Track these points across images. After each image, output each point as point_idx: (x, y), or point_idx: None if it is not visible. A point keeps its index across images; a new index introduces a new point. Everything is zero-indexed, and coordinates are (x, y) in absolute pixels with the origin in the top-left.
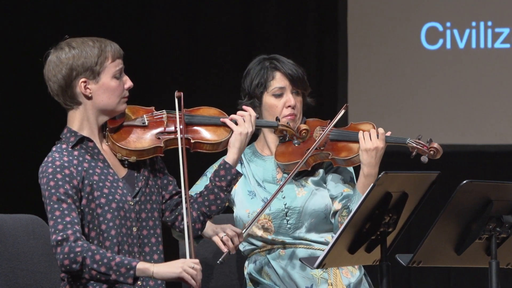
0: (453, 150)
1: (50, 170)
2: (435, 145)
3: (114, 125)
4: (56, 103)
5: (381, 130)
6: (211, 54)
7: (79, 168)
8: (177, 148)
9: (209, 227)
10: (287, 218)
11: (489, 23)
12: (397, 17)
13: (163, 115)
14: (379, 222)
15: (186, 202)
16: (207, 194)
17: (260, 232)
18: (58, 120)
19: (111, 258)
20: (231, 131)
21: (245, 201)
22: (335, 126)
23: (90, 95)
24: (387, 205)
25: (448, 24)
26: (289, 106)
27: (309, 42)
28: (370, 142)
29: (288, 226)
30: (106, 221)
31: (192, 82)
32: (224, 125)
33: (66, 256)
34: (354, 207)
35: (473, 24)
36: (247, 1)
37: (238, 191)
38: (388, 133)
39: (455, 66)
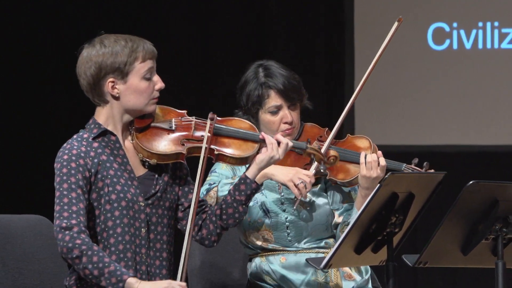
0: (459, 151)
1: (65, 157)
2: (432, 171)
3: (141, 125)
4: (64, 104)
5: (382, 161)
6: (215, 54)
7: (95, 160)
8: (199, 157)
9: (278, 170)
10: (287, 231)
11: (496, 24)
12: (403, 17)
13: (192, 122)
14: (385, 223)
15: (190, 225)
16: (225, 207)
17: (259, 242)
18: (67, 120)
19: (106, 264)
20: (258, 147)
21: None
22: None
23: (117, 95)
24: (394, 206)
25: (455, 25)
26: (286, 122)
27: (317, 43)
28: (371, 171)
29: (289, 238)
30: (113, 218)
31: (195, 83)
32: (261, 141)
33: (65, 244)
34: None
35: (480, 24)
36: (252, 1)
37: None
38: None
39: (462, 67)
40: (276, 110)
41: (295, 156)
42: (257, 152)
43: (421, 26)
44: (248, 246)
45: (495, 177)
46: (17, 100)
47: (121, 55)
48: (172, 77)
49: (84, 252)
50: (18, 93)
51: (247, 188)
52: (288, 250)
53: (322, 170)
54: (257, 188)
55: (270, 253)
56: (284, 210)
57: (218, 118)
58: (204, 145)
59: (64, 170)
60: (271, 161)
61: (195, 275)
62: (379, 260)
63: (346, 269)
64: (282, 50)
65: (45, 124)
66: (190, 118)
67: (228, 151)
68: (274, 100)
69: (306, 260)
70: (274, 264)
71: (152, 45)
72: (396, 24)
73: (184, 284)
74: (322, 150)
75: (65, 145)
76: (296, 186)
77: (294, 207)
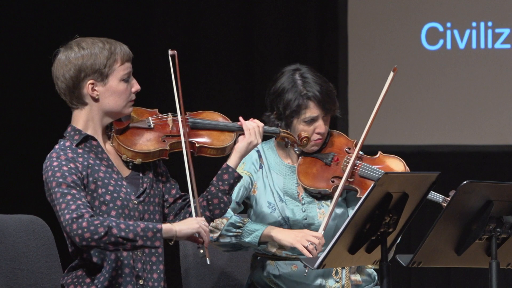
0: (453, 151)
1: (55, 163)
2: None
3: (120, 126)
4: (56, 104)
5: None
6: (210, 56)
7: (85, 163)
8: (181, 151)
9: (286, 234)
10: None
11: (490, 24)
12: (397, 18)
13: (168, 118)
14: (379, 223)
15: (188, 163)
16: (211, 198)
17: (274, 249)
18: (59, 120)
19: (135, 225)
20: (235, 136)
21: (264, 213)
22: (362, 151)
23: (97, 97)
24: (388, 206)
25: (449, 25)
26: (318, 133)
27: (309, 42)
28: None
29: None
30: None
31: (191, 85)
32: (239, 129)
33: (86, 230)
34: None
35: (474, 24)
36: (246, 2)
37: (259, 199)
38: None
39: (456, 67)
40: (311, 121)
41: (322, 166)
42: (235, 141)
43: (415, 26)
44: (259, 250)
45: (489, 177)
46: (10, 101)
47: (100, 57)
48: (159, 75)
49: (110, 225)
50: (10, 94)
51: (230, 177)
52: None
53: (296, 152)
54: (239, 177)
55: (282, 260)
56: (305, 218)
57: (190, 112)
58: (182, 138)
59: (58, 174)
60: (249, 147)
61: (191, 275)
62: (373, 260)
63: (356, 278)
64: (273, 49)
65: (38, 124)
66: (165, 115)
67: (208, 142)
68: (311, 111)
69: (300, 260)
70: (285, 271)
71: (128, 47)
72: (391, 74)
73: (203, 218)
74: (348, 168)
75: (49, 155)
76: (305, 247)
77: (306, 270)
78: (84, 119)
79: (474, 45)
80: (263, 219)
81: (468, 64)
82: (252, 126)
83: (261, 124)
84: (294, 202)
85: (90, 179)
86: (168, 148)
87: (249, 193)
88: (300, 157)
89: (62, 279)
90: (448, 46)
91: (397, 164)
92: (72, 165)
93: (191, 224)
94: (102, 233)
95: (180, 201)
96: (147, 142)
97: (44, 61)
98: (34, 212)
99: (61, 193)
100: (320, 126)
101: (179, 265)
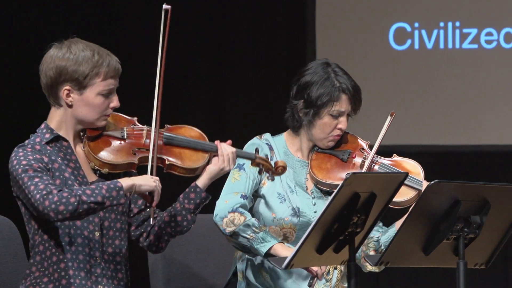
0: (422, 151)
1: (21, 154)
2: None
3: (93, 133)
4: (26, 105)
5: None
6: (183, 53)
7: (53, 158)
8: (152, 165)
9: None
10: None
11: (457, 24)
12: (365, 18)
13: (143, 131)
14: (347, 223)
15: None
16: (174, 214)
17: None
18: (30, 119)
19: (98, 187)
20: (208, 157)
21: (272, 203)
22: (378, 153)
23: (70, 103)
24: (356, 206)
25: (416, 25)
26: (339, 129)
27: (278, 43)
28: None
29: None
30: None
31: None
32: (214, 150)
33: (58, 203)
34: (384, 241)
35: (441, 24)
36: (217, 2)
37: (268, 190)
38: None
39: (423, 67)
40: (337, 115)
41: (338, 162)
42: (207, 162)
43: (383, 26)
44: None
45: (458, 177)
46: None
47: (83, 67)
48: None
49: (78, 193)
50: None
51: (197, 197)
52: None
53: (269, 179)
54: (207, 197)
55: None
56: (314, 212)
57: (168, 125)
58: (150, 154)
59: (24, 162)
60: (221, 173)
61: (158, 276)
62: (341, 260)
63: (342, 284)
64: (241, 50)
65: (7, 125)
66: (142, 126)
67: (179, 161)
68: (341, 105)
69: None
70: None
71: (119, 62)
72: (389, 118)
73: (158, 178)
74: (364, 168)
75: (15, 149)
76: (312, 268)
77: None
78: (58, 120)
79: (442, 45)
80: (272, 210)
81: (436, 64)
82: (227, 153)
83: (234, 150)
84: (305, 194)
85: (57, 174)
86: (136, 162)
87: (260, 185)
88: (312, 152)
89: (20, 284)
90: (416, 46)
91: (414, 168)
92: (37, 156)
93: (149, 181)
94: (76, 203)
95: (144, 212)
96: (116, 153)
97: (23, 62)
98: (2, 212)
99: (29, 177)
100: (343, 122)
101: (147, 266)
